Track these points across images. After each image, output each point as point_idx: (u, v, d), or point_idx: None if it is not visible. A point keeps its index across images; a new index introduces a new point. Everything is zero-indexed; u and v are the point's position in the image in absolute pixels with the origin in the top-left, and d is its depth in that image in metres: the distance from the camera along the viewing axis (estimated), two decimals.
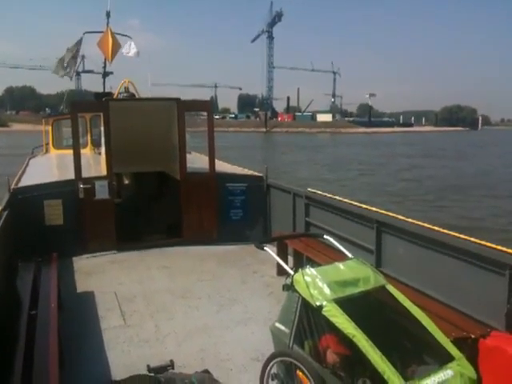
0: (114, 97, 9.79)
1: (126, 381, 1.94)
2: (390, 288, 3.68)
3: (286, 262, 4.86)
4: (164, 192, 9.68)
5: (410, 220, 5.31)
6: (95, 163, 9.85)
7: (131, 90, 11.22)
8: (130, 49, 11.79)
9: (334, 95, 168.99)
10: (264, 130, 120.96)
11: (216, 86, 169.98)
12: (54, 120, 12.68)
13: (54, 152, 12.55)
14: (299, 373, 3.34)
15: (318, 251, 6.15)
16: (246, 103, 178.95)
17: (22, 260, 5.96)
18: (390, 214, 5.67)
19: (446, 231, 4.77)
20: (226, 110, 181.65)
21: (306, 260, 6.28)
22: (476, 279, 4.26)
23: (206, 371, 2.84)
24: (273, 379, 3.64)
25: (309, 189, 7.41)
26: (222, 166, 9.61)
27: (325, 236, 4.50)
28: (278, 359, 3.53)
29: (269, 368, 3.58)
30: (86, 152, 11.02)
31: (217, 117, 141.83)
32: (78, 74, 13.70)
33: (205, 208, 8.29)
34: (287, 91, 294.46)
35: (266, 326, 3.98)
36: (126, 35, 12.76)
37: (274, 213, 8.47)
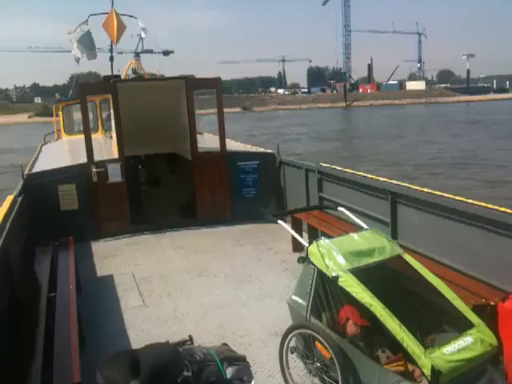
0: (122, 78, 9.76)
1: (143, 348, 1.95)
2: (407, 257, 3.64)
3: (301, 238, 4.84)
4: (176, 173, 9.68)
5: (423, 189, 5.24)
6: (107, 147, 9.86)
7: (139, 71, 11.24)
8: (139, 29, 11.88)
9: (419, 60, 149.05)
10: (343, 104, 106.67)
11: (284, 60, 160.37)
12: (63, 105, 12.72)
13: (65, 138, 12.60)
14: (318, 344, 3.33)
15: (333, 225, 6.12)
16: (316, 77, 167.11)
17: (38, 245, 6.02)
18: (404, 184, 5.60)
19: (459, 198, 4.70)
20: (295, 86, 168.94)
21: (321, 234, 6.25)
22: (492, 245, 4.20)
23: (225, 344, 2.84)
24: (292, 352, 3.64)
25: (321, 163, 7.35)
26: (233, 145, 9.56)
27: (339, 208, 4.46)
28: (296, 331, 3.52)
29: (287, 341, 3.58)
30: (98, 136, 11.04)
31: (287, 93, 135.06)
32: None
33: (217, 187, 8.27)
34: (360, 61, 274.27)
35: (283, 301, 3.96)
36: (131, 16, 12.74)
37: (288, 190, 8.43)
